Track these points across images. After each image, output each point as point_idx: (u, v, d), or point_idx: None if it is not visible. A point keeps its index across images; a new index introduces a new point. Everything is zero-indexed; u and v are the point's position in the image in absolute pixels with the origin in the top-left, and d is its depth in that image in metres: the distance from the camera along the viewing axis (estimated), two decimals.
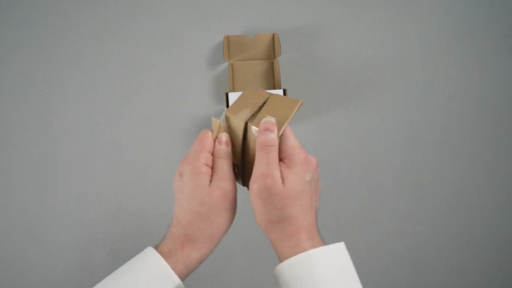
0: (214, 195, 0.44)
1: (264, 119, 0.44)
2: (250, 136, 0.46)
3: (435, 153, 0.84)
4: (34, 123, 0.84)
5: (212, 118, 0.49)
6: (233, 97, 0.76)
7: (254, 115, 0.46)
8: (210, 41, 0.87)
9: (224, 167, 0.46)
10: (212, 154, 0.46)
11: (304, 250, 0.42)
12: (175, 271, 0.43)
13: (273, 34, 0.84)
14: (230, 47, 0.84)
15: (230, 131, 0.48)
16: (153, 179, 0.82)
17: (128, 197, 0.82)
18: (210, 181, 0.45)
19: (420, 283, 0.80)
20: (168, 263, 0.43)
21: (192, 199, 0.45)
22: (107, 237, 0.80)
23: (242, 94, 0.50)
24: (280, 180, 0.43)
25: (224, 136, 0.47)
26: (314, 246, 0.43)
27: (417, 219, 0.82)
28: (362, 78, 0.86)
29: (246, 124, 0.46)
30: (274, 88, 0.83)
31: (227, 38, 0.83)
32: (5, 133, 0.84)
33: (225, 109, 0.77)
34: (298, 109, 0.46)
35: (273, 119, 0.44)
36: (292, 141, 0.45)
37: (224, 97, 0.77)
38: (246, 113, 0.47)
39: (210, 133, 0.47)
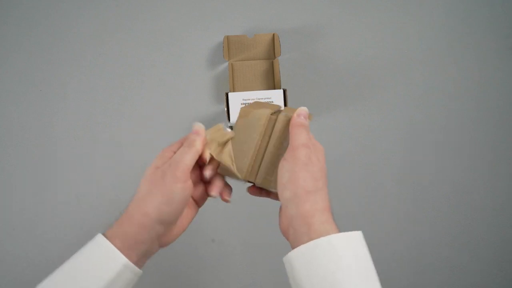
0: (154, 177, 0.45)
1: (299, 108, 0.49)
2: (277, 126, 0.50)
3: (435, 153, 0.84)
4: (34, 123, 0.84)
5: (221, 124, 0.51)
6: (233, 97, 0.76)
7: (275, 113, 0.51)
8: (210, 41, 0.87)
9: (182, 155, 0.46)
10: None
11: (333, 228, 0.42)
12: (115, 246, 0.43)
13: (273, 34, 0.84)
14: (230, 47, 0.84)
15: (243, 128, 0.50)
16: None
17: (129, 197, 0.82)
18: None
19: (420, 283, 0.80)
20: (111, 241, 0.43)
21: (143, 177, 0.47)
22: None
23: (250, 104, 0.53)
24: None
25: (200, 128, 0.48)
26: (336, 228, 0.43)
27: (417, 219, 0.81)
28: (362, 78, 0.86)
29: (273, 114, 0.50)
30: (274, 88, 0.83)
31: (227, 38, 0.83)
32: (5, 133, 0.83)
33: (225, 109, 0.77)
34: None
35: (306, 109, 0.49)
36: (311, 134, 0.49)
37: (224, 97, 0.77)
38: (267, 111, 0.51)
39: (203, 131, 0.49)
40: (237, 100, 0.76)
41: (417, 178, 0.83)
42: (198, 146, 0.47)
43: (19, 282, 0.79)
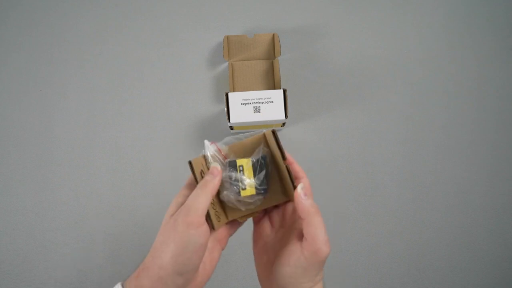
0: (167, 227, 0.42)
1: (301, 185, 0.44)
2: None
3: (435, 153, 0.84)
4: (34, 123, 0.84)
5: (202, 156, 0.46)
6: (233, 97, 0.76)
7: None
8: (210, 41, 0.87)
9: (194, 198, 0.43)
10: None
11: None
12: None
13: (273, 34, 0.84)
14: (230, 47, 0.84)
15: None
16: (153, 179, 0.82)
17: (128, 197, 0.82)
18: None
19: (420, 283, 0.80)
20: None
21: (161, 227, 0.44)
22: (107, 237, 0.80)
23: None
24: None
25: (215, 169, 0.45)
26: None
27: (417, 219, 0.81)
28: (362, 78, 0.86)
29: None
30: (274, 88, 0.83)
31: (227, 38, 0.83)
32: (5, 133, 0.84)
33: (225, 109, 0.77)
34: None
35: (307, 182, 0.45)
36: None
37: (224, 97, 0.77)
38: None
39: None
40: (237, 100, 0.76)
41: (417, 178, 0.83)
42: (212, 187, 0.44)
43: (19, 282, 0.79)
